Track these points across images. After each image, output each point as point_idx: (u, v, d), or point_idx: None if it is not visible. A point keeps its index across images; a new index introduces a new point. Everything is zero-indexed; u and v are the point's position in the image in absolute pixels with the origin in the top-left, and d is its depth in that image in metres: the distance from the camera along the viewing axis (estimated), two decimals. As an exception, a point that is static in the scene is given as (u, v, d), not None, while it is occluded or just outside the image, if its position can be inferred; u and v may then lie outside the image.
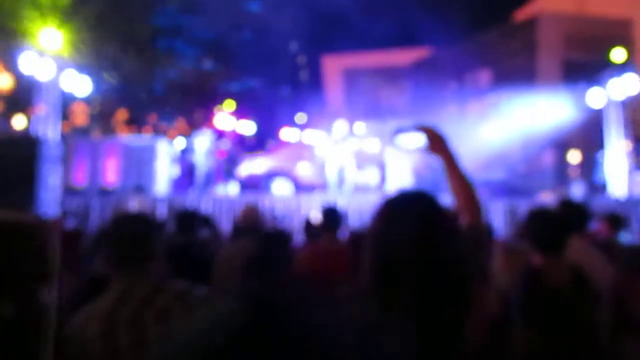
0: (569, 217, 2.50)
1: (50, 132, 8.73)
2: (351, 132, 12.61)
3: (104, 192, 9.82)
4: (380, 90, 21.97)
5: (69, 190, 9.66)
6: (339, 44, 21.68)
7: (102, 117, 19.26)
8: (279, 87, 29.26)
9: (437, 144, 1.54)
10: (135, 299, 1.66)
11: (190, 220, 4.02)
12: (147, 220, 1.88)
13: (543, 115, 12.27)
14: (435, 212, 1.29)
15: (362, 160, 15.34)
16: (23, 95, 10.02)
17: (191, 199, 9.70)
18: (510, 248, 2.91)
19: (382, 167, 14.84)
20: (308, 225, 4.50)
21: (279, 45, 27.74)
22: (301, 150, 18.80)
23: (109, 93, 19.67)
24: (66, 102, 10.62)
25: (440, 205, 1.31)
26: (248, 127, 18.04)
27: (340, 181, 10.73)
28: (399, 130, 1.60)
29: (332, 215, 3.35)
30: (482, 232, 1.44)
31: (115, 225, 1.83)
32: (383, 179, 14.07)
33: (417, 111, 15.28)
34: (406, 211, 1.29)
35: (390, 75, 21.76)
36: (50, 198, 6.81)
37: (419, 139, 1.57)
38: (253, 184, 13.11)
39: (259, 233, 3.40)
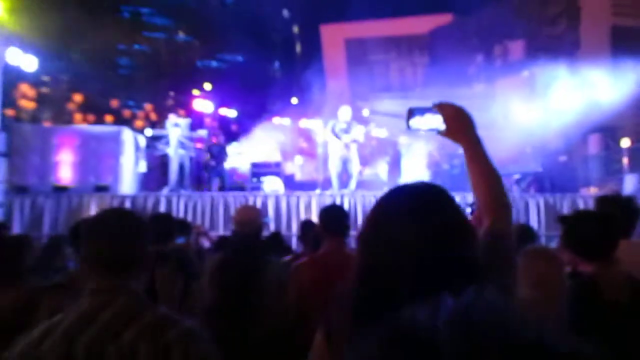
0: (617, 217, 2.48)
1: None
2: (356, 117, 12.56)
3: (58, 191, 9.82)
4: (391, 66, 21.93)
5: (14, 189, 9.65)
6: (340, 10, 21.60)
7: (54, 101, 19.20)
8: (268, 64, 29.20)
9: (458, 126, 1.51)
10: (99, 324, 1.63)
11: (165, 227, 4.00)
12: (137, 219, 1.85)
13: (588, 94, 12.26)
14: (441, 207, 1.24)
15: (371, 150, 15.34)
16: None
17: (163, 199, 9.71)
18: (536, 253, 2.89)
19: (395, 158, 14.84)
20: (305, 230, 4.48)
21: (268, 12, 27.63)
22: (296, 139, 18.76)
23: (62, 72, 19.60)
24: (11, 83, 10.58)
25: (451, 199, 1.28)
26: (231, 113, 18.01)
27: (345, 176, 10.71)
28: (414, 111, 1.58)
29: (335, 217, 3.32)
30: (505, 238, 1.40)
31: (93, 223, 1.79)
32: (396, 172, 14.06)
33: (436, 90, 15.24)
34: (401, 207, 1.25)
35: (403, 47, 21.73)
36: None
37: (437, 121, 1.55)
38: (238, 180, 13.08)
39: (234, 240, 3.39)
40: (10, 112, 14.70)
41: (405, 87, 19.75)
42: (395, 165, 14.36)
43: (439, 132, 1.56)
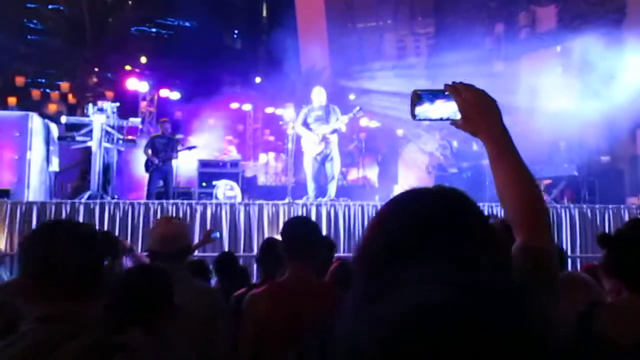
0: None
1: None
2: (340, 101, 12.60)
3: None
4: (386, 36, 22.03)
5: None
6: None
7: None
8: (225, 32, 29.06)
9: (478, 115, 1.52)
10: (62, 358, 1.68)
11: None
12: (95, 232, 2.02)
13: (636, 75, 12.40)
14: (467, 218, 1.26)
15: (358, 146, 15.39)
16: None
17: (82, 207, 9.63)
18: (570, 282, 2.94)
19: (389, 157, 14.91)
20: (266, 251, 4.50)
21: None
22: (260, 131, 18.76)
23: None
24: None
25: (477, 209, 1.29)
26: (174, 95, 17.93)
27: (324, 179, 10.72)
28: (422, 96, 1.57)
29: (300, 234, 3.34)
30: (545, 256, 1.42)
31: (43, 236, 1.87)
32: (390, 174, 14.13)
33: (443, 69, 15.33)
34: (415, 216, 1.25)
35: (402, 12, 21.85)
36: None
37: (451, 109, 1.55)
38: (181, 184, 13.00)
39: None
40: None
41: (404, 64, 19.83)
42: (388, 166, 14.45)
43: (453, 123, 1.57)
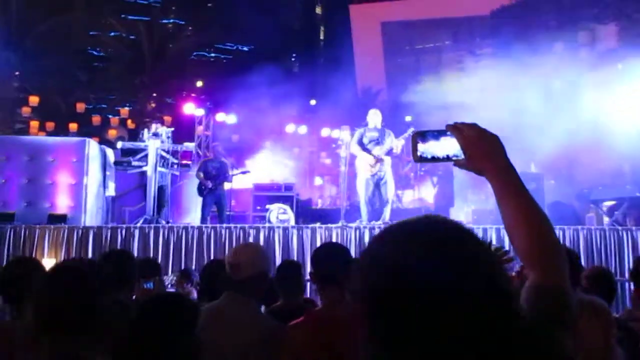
0: None
1: None
2: (396, 124, 12.56)
3: (0, 221, 9.89)
4: (444, 57, 21.95)
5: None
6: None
7: (2, 105, 19.58)
8: (282, 55, 29.33)
9: (481, 152, 1.50)
10: None
11: (122, 268, 4.00)
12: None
13: None
14: (468, 253, 1.21)
15: (413, 168, 15.29)
16: None
17: (138, 232, 9.76)
18: (580, 305, 2.85)
19: (446, 178, 14.74)
20: (282, 273, 4.46)
21: (282, -12, 28.01)
22: (316, 154, 18.81)
23: (13, 67, 19.91)
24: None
25: (482, 244, 1.25)
26: (230, 118, 18.14)
27: (378, 202, 10.65)
28: (426, 135, 1.56)
29: (333, 261, 3.29)
30: (560, 294, 1.38)
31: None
32: (447, 197, 13.95)
33: (501, 88, 15.16)
34: (409, 248, 1.21)
35: (460, 32, 21.76)
36: None
37: (456, 147, 1.54)
38: (236, 208, 13.10)
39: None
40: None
41: (461, 84, 19.69)
42: (445, 187, 14.26)
43: (456, 163, 1.54)
